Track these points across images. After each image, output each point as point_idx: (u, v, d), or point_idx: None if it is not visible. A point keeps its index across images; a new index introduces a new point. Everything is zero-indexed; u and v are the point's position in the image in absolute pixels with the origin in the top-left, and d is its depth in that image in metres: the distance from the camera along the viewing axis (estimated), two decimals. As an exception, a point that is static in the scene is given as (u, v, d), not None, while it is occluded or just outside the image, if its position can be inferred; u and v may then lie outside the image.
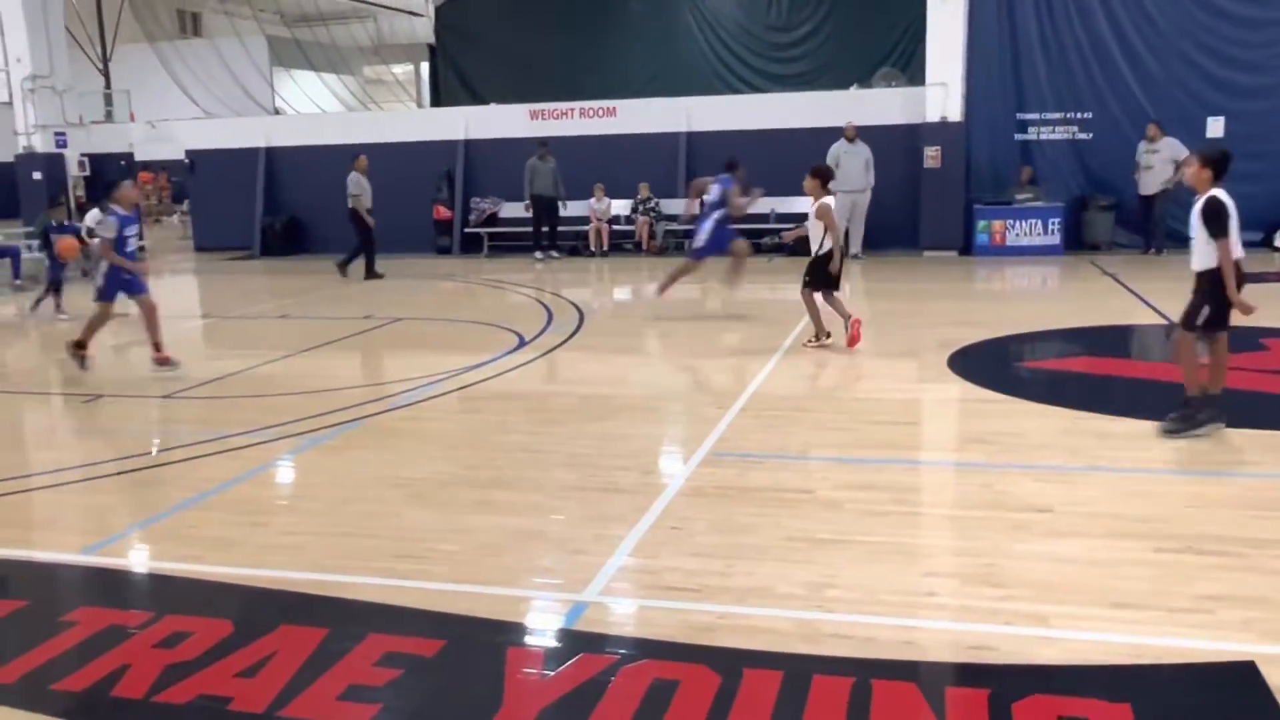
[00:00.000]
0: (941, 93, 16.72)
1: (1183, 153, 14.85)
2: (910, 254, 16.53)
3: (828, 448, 6.23)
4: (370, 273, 15.73)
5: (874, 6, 24.14)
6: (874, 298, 12.85)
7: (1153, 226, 15.83)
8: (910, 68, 21.61)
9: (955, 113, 16.79)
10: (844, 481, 5.53)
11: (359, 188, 15.56)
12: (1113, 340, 9.53)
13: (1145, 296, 11.35)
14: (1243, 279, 6.10)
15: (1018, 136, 16.94)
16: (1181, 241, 15.93)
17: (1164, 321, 9.98)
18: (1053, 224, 16.15)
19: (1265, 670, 3.41)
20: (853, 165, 16.08)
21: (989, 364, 8.56)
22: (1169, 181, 15.27)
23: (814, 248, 9.29)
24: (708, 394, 7.95)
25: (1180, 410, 6.22)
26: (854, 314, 9.07)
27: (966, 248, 16.69)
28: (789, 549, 4.62)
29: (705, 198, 11.34)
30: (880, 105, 17.76)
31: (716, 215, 11.13)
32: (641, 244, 18.38)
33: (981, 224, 16.56)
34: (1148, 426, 6.36)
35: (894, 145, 16.70)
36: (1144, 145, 15.70)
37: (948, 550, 4.62)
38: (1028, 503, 5.12)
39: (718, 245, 11.23)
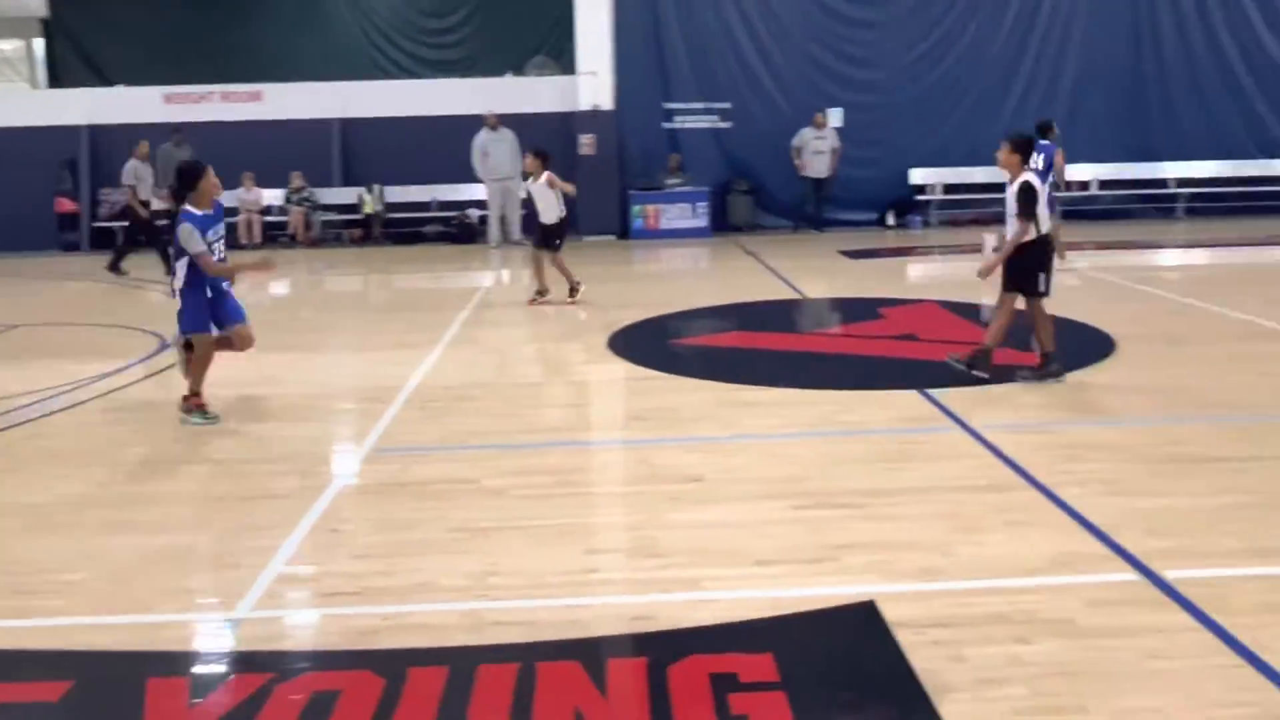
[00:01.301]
0: (592, 81, 17.21)
1: (835, 142, 16.36)
2: (570, 239, 16.87)
3: (492, 435, 6.24)
4: (115, 267, 14.20)
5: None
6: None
7: (817, 208, 17.22)
8: (564, 57, 22.11)
9: (607, 101, 17.35)
10: (508, 468, 5.56)
11: (134, 177, 13.95)
12: (758, 315, 10.23)
13: (784, 274, 12.29)
14: (1050, 252, 7.07)
15: (665, 125, 17.80)
16: (839, 224, 17.46)
17: (797, 296, 10.85)
18: (700, 208, 17.12)
19: (883, 606, 3.79)
20: (500, 153, 16.15)
21: (647, 343, 8.93)
22: (833, 166, 16.72)
23: (546, 217, 10.75)
24: (369, 389, 7.71)
25: (1042, 367, 7.06)
26: (579, 280, 10.56)
27: (624, 232, 17.35)
28: (453, 541, 4.58)
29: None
30: (535, 93, 18.02)
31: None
32: (296, 235, 17.56)
33: (636, 209, 17.28)
34: (791, 394, 6.90)
35: (550, 133, 16.97)
36: (811, 132, 16.99)
37: (609, 527, 4.77)
38: (682, 474, 5.39)
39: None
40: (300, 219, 17.50)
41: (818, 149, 16.97)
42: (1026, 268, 6.93)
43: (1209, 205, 17.67)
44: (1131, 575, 4.02)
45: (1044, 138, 11.79)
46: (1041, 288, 6.99)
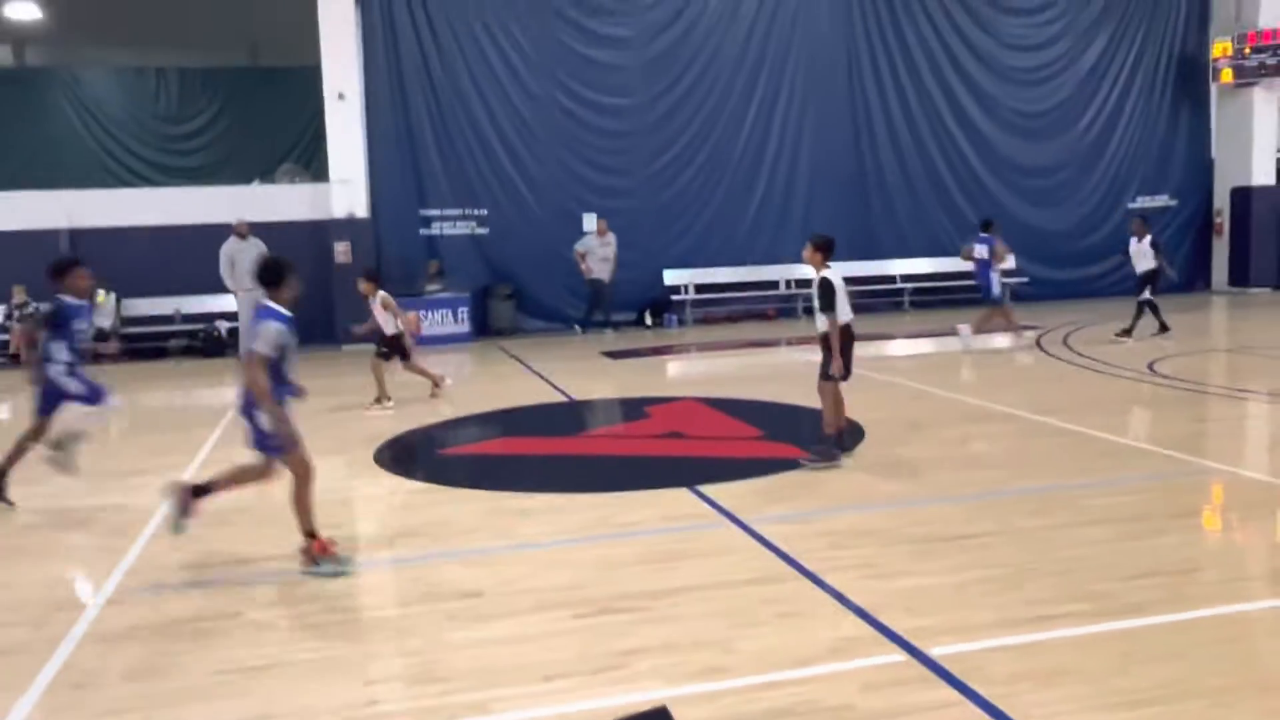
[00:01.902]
0: (346, 189, 16.97)
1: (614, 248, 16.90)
2: (330, 349, 16.41)
3: (253, 562, 5.88)
4: None
5: (274, 101, 23.90)
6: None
7: (604, 308, 17.57)
8: (314, 164, 21.72)
9: (361, 209, 17.13)
10: (274, 597, 5.24)
11: None
12: (526, 420, 10.23)
13: (548, 377, 12.39)
14: (851, 340, 7.67)
15: (423, 231, 17.76)
16: (599, 324, 17.70)
17: (564, 398, 10.94)
18: (461, 313, 17.08)
19: (675, 710, 3.81)
20: (249, 262, 15.53)
21: (414, 454, 8.73)
22: (614, 270, 17.15)
23: (387, 330, 11.26)
24: (110, 521, 7.09)
25: (820, 445, 7.58)
26: (441, 375, 11.47)
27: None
28: (218, 684, 4.24)
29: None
30: (286, 201, 17.57)
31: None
32: (19, 355, 16.09)
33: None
34: (564, 499, 6.91)
35: (303, 242, 16.56)
36: (594, 239, 17.36)
37: (387, 653, 4.56)
38: (459, 589, 5.25)
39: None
40: (23, 337, 16.07)
41: (603, 255, 17.47)
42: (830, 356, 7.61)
43: (930, 298, 19.33)
44: (899, 656, 4.24)
45: (986, 231, 14.20)
46: (834, 372, 7.61)
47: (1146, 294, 13.61)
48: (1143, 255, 13.66)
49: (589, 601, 4.98)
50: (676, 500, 6.78)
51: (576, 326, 17.69)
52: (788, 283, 19.02)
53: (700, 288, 18.66)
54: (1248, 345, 13.34)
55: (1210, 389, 10.31)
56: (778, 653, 4.31)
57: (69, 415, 7.78)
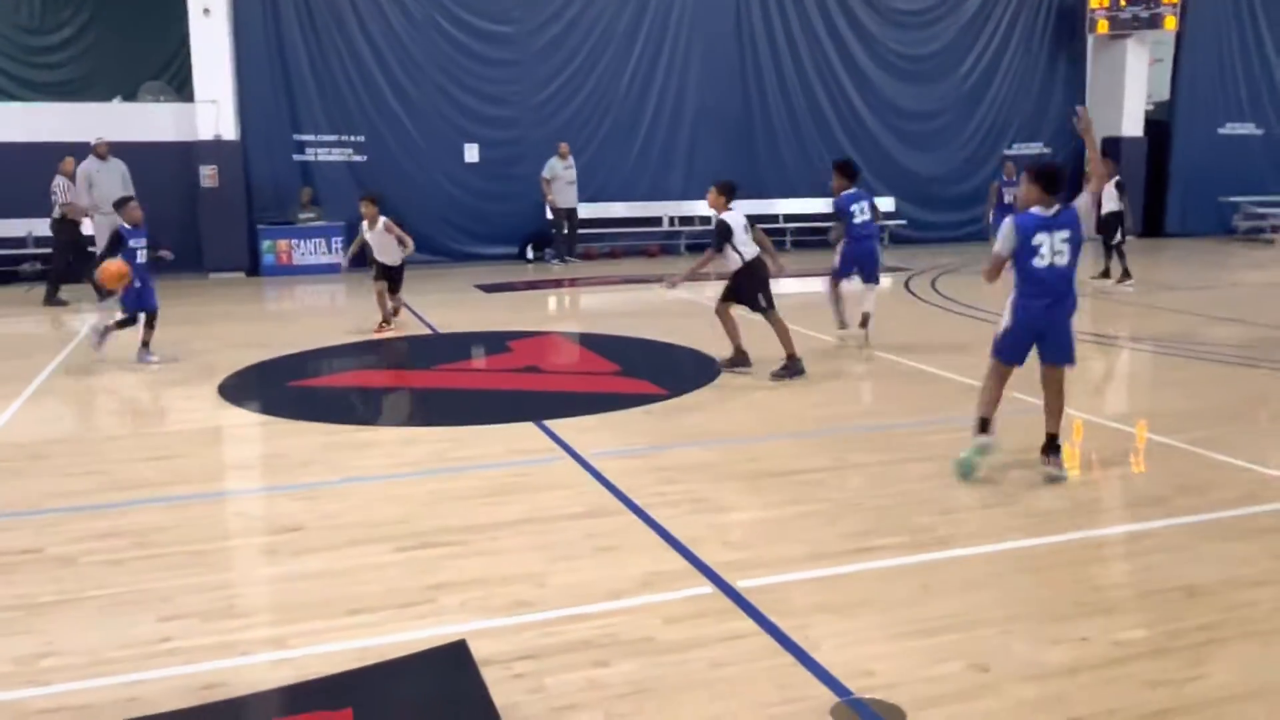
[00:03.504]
0: (213, 110, 16.25)
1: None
2: (195, 276, 15.81)
3: (67, 497, 5.62)
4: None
5: (143, 16, 22.61)
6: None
7: (571, 237, 17.38)
8: (185, 86, 20.71)
9: (230, 131, 16.43)
10: (80, 533, 5.03)
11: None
12: (380, 352, 10.01)
13: (417, 310, 12.14)
14: (754, 273, 8.18)
15: (296, 157, 17.14)
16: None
17: (429, 331, 10.77)
18: (335, 243, 16.60)
19: (476, 644, 3.78)
20: (109, 184, 14.76)
21: (261, 387, 8.47)
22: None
23: (387, 259, 10.73)
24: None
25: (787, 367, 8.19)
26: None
27: (254, 268, 16.48)
28: (5, 621, 4.06)
29: None
30: (148, 121, 16.72)
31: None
32: None
33: (267, 244, 16.47)
34: (407, 432, 6.80)
35: (167, 163, 15.83)
36: (559, 162, 17.01)
37: (190, 589, 4.41)
38: (279, 524, 5.13)
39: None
40: None
41: (568, 179, 17.20)
42: (740, 288, 8.23)
43: (811, 239, 19.52)
44: (707, 588, 4.28)
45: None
46: (763, 304, 8.25)
47: (1118, 236, 13.87)
48: (1108, 197, 13.91)
49: (411, 536, 4.91)
50: (521, 435, 6.73)
51: (552, 258, 17.46)
52: (671, 219, 18.97)
53: (584, 222, 18.47)
54: (1107, 291, 13.78)
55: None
56: (589, 586, 4.31)
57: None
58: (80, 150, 14.54)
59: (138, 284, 9.09)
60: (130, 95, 18.71)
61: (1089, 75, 21.23)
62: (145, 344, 9.28)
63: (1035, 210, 5.63)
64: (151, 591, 4.36)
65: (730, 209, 8.13)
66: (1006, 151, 20.06)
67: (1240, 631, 3.92)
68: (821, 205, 19.69)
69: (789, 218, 19.64)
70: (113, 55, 22.83)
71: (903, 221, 19.98)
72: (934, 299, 13.05)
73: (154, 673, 3.66)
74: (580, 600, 4.17)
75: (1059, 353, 5.78)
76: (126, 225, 9.18)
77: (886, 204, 19.99)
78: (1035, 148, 20.85)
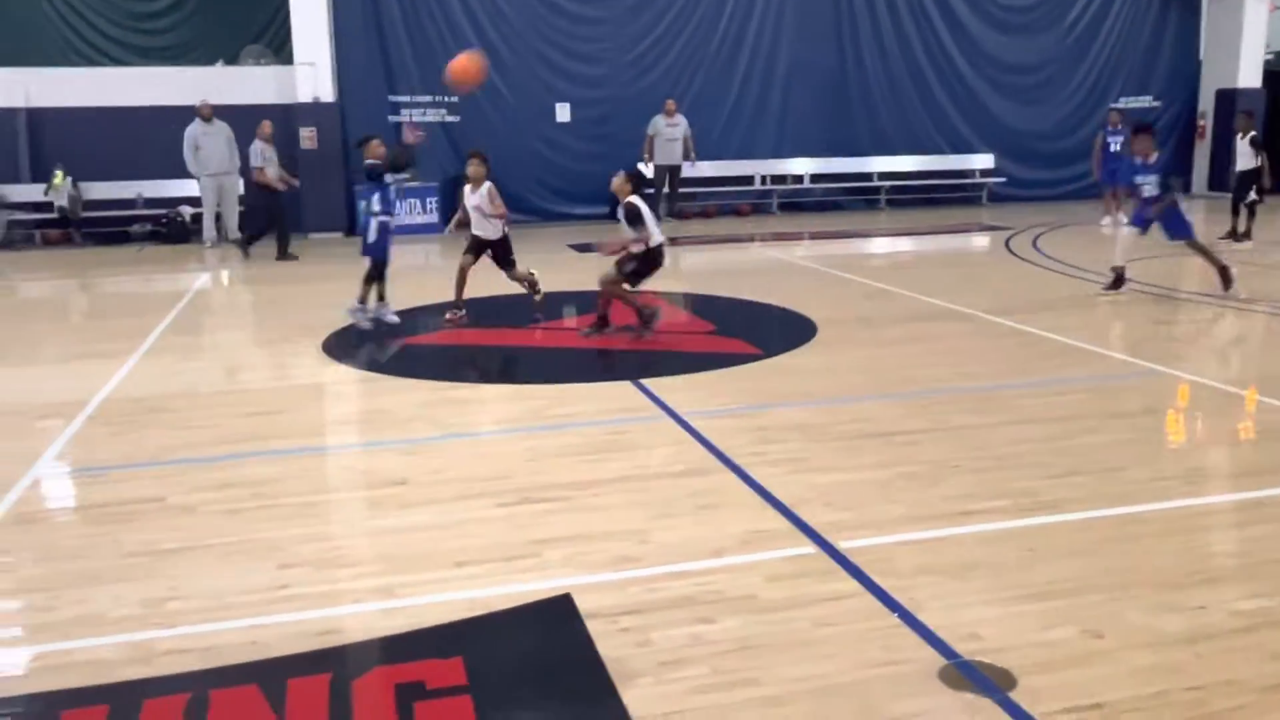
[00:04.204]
0: (311, 73, 16.56)
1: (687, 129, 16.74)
2: (297, 236, 16.16)
3: (185, 449, 5.84)
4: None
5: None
6: (257, 284, 12.41)
7: (673, 195, 17.43)
8: (284, 49, 21.11)
9: (327, 93, 16.74)
10: (199, 483, 5.23)
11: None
12: (480, 311, 10.11)
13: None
14: (656, 259, 8.52)
15: (391, 118, 17.36)
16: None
17: (522, 291, 10.86)
18: (430, 203, 16.82)
19: (581, 598, 3.83)
20: (214, 147, 15.20)
21: (363, 344, 8.66)
22: (686, 153, 17.10)
23: (484, 233, 9.48)
24: (47, 404, 7.01)
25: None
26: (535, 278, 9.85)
27: (352, 228, 16.80)
28: (129, 567, 4.25)
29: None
30: (250, 84, 17.13)
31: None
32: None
33: (364, 205, 16.74)
34: (505, 390, 6.91)
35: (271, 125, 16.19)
36: (663, 119, 17.13)
37: (303, 539, 4.55)
38: (386, 478, 5.25)
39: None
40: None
41: (670, 136, 17.23)
42: (640, 269, 8.50)
43: (907, 197, 19.15)
44: (809, 549, 4.26)
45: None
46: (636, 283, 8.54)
47: (1252, 195, 13.41)
48: (1243, 154, 13.47)
49: (513, 491, 4.98)
50: (617, 393, 6.77)
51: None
52: (763, 179, 18.77)
53: (674, 181, 18.37)
54: (1224, 249, 13.24)
55: (1176, 294, 10.28)
56: (691, 544, 4.33)
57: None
58: (185, 114, 14.96)
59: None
60: (232, 59, 19.12)
61: (1204, 23, 20.27)
62: (382, 297, 9.32)
63: None
64: (267, 541, 4.51)
65: (633, 197, 8.43)
66: (1113, 105, 19.33)
67: (1367, 604, 3.77)
68: (918, 163, 19.31)
69: (884, 175, 19.27)
70: (214, 20, 23.31)
71: (1002, 179, 19.44)
72: (1035, 258, 12.70)
73: (273, 618, 3.80)
74: (682, 558, 4.20)
75: None
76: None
77: (985, 160, 19.52)
78: (1144, 101, 20.07)
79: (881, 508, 4.70)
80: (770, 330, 8.67)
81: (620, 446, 5.68)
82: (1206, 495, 4.96)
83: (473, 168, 9.34)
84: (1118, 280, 9.87)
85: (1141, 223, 9.94)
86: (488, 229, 9.41)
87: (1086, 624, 3.61)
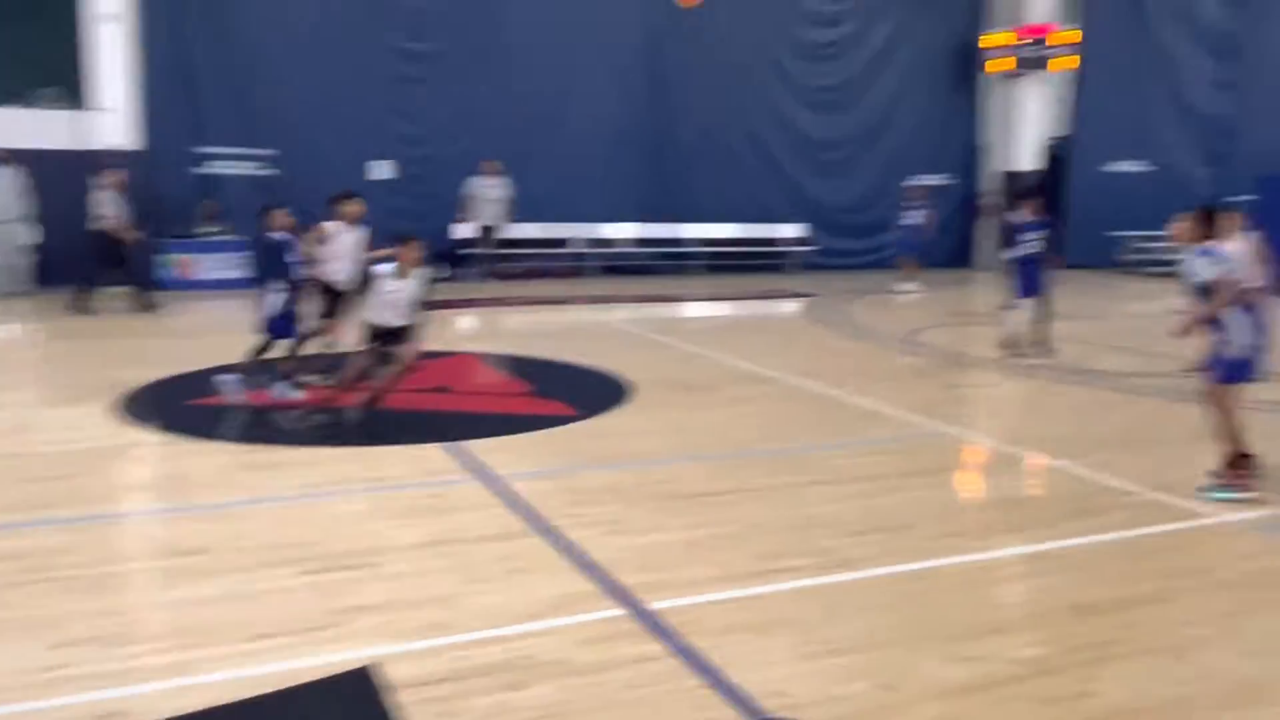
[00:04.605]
0: (111, 119, 15.78)
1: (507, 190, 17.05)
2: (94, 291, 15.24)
3: (-45, 518, 5.39)
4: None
5: (40, 20, 21.85)
6: (52, 338, 11.66)
7: (492, 256, 17.45)
8: (81, 91, 20.06)
9: (129, 140, 15.97)
10: (-30, 556, 4.83)
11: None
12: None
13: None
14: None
15: (198, 170, 16.73)
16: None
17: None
18: (240, 257, 16.21)
19: (388, 668, 3.73)
20: (3, 191, 14.25)
21: (163, 405, 8.22)
22: (505, 214, 17.22)
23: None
24: None
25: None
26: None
27: (154, 282, 15.99)
28: (-118, 649, 3.87)
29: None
30: (42, 127, 16.14)
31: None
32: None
33: (168, 257, 16.02)
34: (315, 453, 6.67)
35: (63, 172, 15.29)
36: (481, 180, 17.15)
37: (89, 613, 4.26)
38: (183, 546, 4.99)
39: None
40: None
41: (489, 197, 17.11)
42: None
43: (723, 263, 19.78)
44: (621, 611, 4.30)
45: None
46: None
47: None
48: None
49: (317, 558, 4.82)
50: (431, 455, 6.67)
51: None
52: (585, 241, 19.02)
53: (492, 242, 18.38)
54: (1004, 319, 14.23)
55: (961, 359, 10.98)
56: (502, 609, 4.29)
57: None
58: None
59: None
60: (24, 100, 18.04)
61: (985, 111, 21.99)
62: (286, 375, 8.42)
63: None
64: (46, 616, 4.20)
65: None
66: (912, 182, 20.61)
67: (1130, 649, 4.09)
68: (733, 231, 20.03)
69: (701, 241, 19.87)
70: (4, 59, 22.03)
71: (812, 247, 20.37)
72: (840, 324, 13.32)
73: (49, 701, 3.53)
74: (494, 623, 4.16)
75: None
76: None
77: (796, 230, 20.42)
78: (939, 178, 21.50)
79: (693, 568, 4.79)
80: (587, 391, 8.75)
81: (431, 510, 5.59)
82: (993, 550, 5.27)
83: (353, 207, 9.15)
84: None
85: (1034, 286, 10.80)
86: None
87: (880, 677, 3.78)
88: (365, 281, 7.66)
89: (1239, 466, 6.10)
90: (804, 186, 20.68)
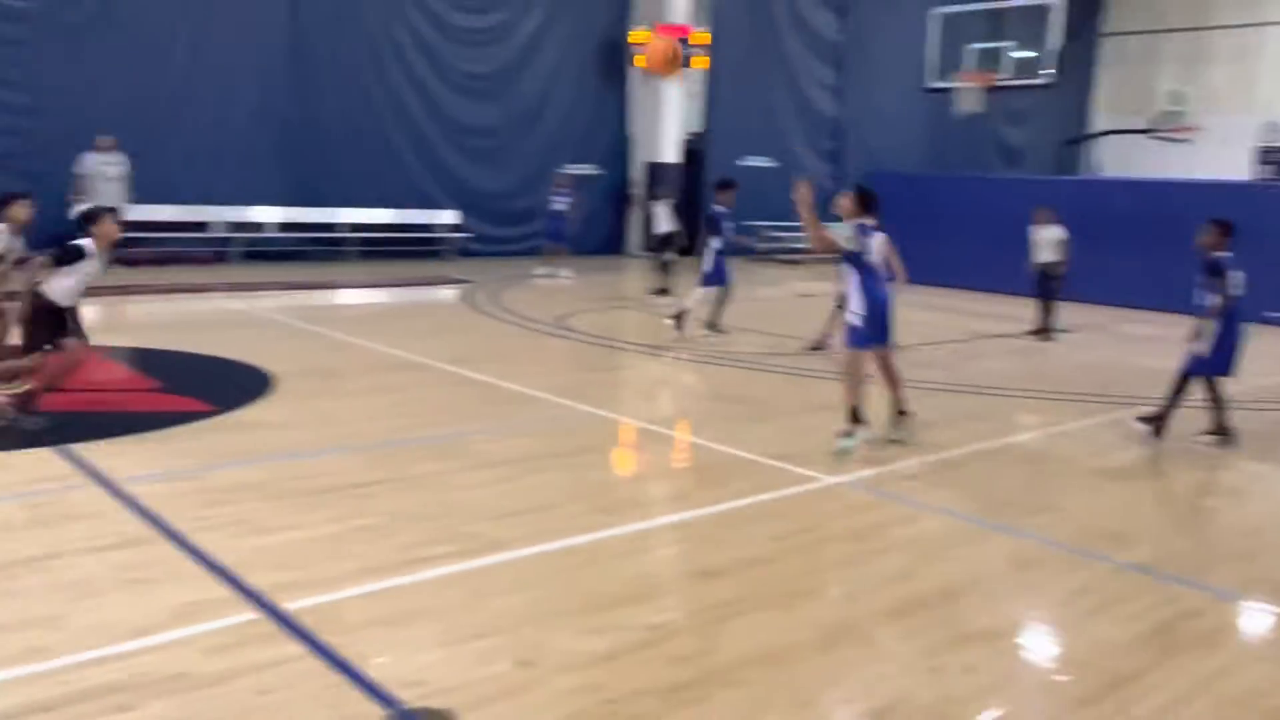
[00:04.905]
0: None
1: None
2: None
3: None
4: None
5: None
6: None
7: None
8: None
9: None
10: None
11: None
12: None
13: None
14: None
15: None
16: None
17: None
18: None
19: (-26, 704, 3.33)
20: None
21: None
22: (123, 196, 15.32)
23: None
24: None
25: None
26: None
27: None
28: None
29: None
30: None
31: None
32: None
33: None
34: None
35: None
36: (96, 156, 15.26)
37: None
38: None
39: None
40: None
41: (107, 175, 15.35)
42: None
43: (376, 249, 19.29)
44: (253, 614, 4.10)
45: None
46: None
47: (669, 255, 15.27)
48: (664, 219, 15.38)
49: (-109, 586, 4.21)
50: (37, 462, 5.99)
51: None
52: (225, 225, 17.84)
53: (125, 225, 16.78)
54: (651, 304, 14.97)
55: (607, 342, 11.42)
56: (115, 625, 3.95)
57: None
58: None
59: None
60: None
61: (633, 104, 22.95)
62: None
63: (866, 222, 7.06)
64: None
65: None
66: (562, 171, 21.12)
67: (749, 607, 4.45)
68: (387, 216, 19.58)
69: (353, 226, 19.26)
70: None
71: (468, 234, 20.35)
72: (494, 310, 13.43)
73: None
74: (105, 641, 3.81)
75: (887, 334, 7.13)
76: None
77: (451, 216, 20.32)
78: (589, 168, 22.18)
79: (333, 564, 4.65)
80: (225, 385, 8.23)
81: (35, 523, 5.03)
82: (631, 524, 5.53)
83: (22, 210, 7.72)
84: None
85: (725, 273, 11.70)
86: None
87: (520, 655, 3.87)
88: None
89: (858, 420, 7.05)
90: (459, 173, 20.59)
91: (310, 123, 18.67)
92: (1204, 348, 7.35)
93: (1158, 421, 7.64)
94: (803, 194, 6.94)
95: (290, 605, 4.16)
